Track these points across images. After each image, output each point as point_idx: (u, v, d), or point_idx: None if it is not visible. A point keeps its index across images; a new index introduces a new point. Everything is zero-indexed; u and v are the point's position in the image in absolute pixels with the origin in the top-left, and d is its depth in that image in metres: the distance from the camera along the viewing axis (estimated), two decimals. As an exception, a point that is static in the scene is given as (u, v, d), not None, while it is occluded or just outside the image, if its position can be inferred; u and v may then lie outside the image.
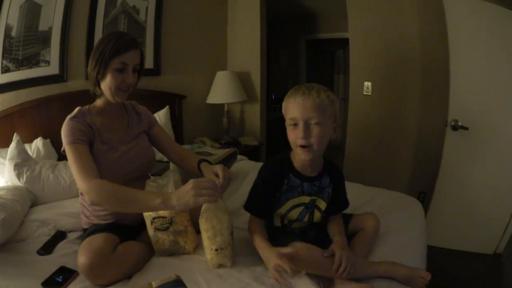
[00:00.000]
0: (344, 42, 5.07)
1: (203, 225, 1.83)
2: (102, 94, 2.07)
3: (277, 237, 1.85)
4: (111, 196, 1.77)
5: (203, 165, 2.18)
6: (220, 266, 1.85)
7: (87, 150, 1.93)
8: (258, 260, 1.88)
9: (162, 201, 1.69)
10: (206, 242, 1.84)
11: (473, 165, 3.36)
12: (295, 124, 1.73)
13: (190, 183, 1.69)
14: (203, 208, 1.88)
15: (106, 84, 1.99)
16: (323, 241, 1.98)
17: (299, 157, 1.78)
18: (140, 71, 2.14)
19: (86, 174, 1.81)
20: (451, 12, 3.12)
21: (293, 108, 1.74)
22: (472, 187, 3.41)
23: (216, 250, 1.82)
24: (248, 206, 1.94)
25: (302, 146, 1.72)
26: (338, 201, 2.05)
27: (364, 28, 3.97)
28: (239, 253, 1.96)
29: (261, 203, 1.90)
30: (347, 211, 2.12)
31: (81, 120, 1.99)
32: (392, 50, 3.81)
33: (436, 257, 3.28)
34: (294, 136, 1.74)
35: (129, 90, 2.07)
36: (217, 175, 2.01)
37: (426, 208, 3.47)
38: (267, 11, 4.92)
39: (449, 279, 3.13)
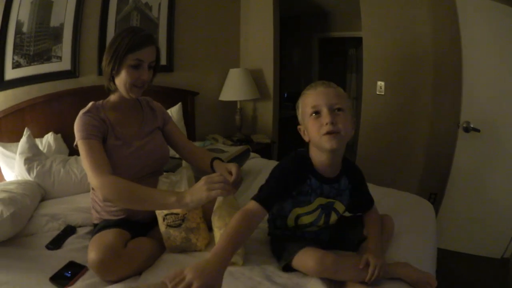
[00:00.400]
0: (357, 41, 5.04)
1: (216, 222, 1.85)
2: (116, 89, 2.05)
3: (288, 243, 1.81)
4: (125, 193, 1.77)
5: (216, 163, 2.16)
6: (232, 264, 1.80)
7: (100, 146, 1.92)
8: (269, 258, 1.87)
9: (177, 199, 1.69)
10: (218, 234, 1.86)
11: (484, 167, 3.32)
12: (317, 113, 1.68)
13: (202, 180, 1.69)
14: (215, 205, 1.90)
15: (120, 80, 1.98)
16: (336, 242, 1.99)
17: (325, 147, 1.66)
18: (156, 67, 2.12)
19: (99, 169, 1.81)
20: (464, 13, 3.07)
21: (315, 96, 1.71)
22: (482, 190, 3.36)
23: None
24: (256, 195, 1.70)
25: (328, 133, 1.64)
26: (363, 200, 2.01)
27: (377, 27, 3.94)
28: (250, 251, 1.93)
29: (274, 194, 1.71)
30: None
31: (95, 115, 1.98)
32: (404, 50, 3.78)
33: (444, 259, 3.25)
34: (318, 124, 1.66)
35: (144, 87, 2.06)
36: (230, 173, 1.98)
37: (436, 209, 3.40)
38: (280, 8, 4.90)
39: (456, 282, 3.10)
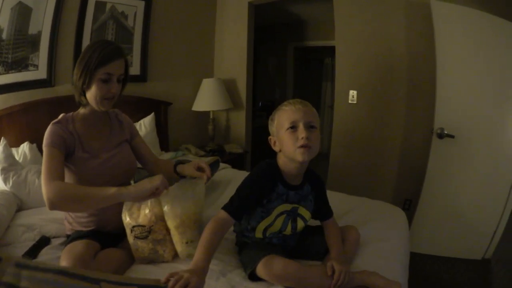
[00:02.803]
0: (332, 50, 5.11)
1: (172, 222, 1.96)
2: (87, 103, 2.08)
3: (256, 250, 1.89)
4: (69, 195, 1.79)
5: (179, 167, 2.27)
6: (190, 255, 1.94)
7: (59, 155, 1.93)
8: (236, 268, 1.95)
9: (117, 190, 1.79)
10: (176, 237, 1.99)
11: (459, 172, 3.43)
12: (293, 127, 1.82)
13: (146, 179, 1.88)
14: (177, 222, 1.97)
15: (91, 94, 2.01)
16: (303, 248, 2.10)
17: (297, 159, 1.82)
18: (125, 79, 2.15)
19: (49, 176, 1.82)
20: (438, 20, 3.17)
21: (293, 113, 1.84)
22: (458, 193, 3.47)
23: (187, 242, 1.97)
24: (226, 206, 1.83)
25: (302, 147, 1.79)
26: (322, 208, 2.12)
27: (350, 37, 4.02)
28: (216, 261, 1.97)
29: (243, 204, 1.86)
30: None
31: (63, 127, 2.01)
32: (378, 59, 3.86)
33: (422, 264, 3.36)
34: (294, 138, 1.80)
35: (114, 99, 2.09)
36: (200, 169, 2.19)
37: (411, 215, 3.53)
38: (255, 17, 4.97)
39: (437, 285, 3.18)
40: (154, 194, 1.87)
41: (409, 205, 3.83)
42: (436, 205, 3.54)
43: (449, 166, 3.44)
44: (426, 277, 3.22)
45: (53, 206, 1.78)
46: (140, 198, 1.88)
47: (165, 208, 1.96)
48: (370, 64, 3.93)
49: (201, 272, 1.50)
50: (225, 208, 1.82)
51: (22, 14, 3.09)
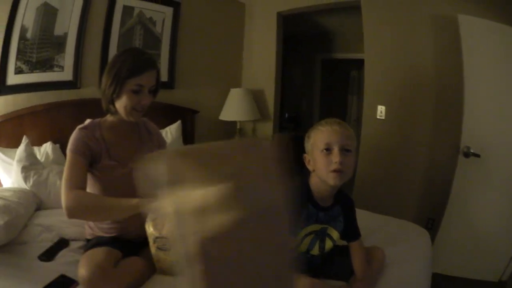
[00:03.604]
0: (359, 63, 5.03)
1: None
2: (116, 112, 2.03)
3: None
4: (88, 205, 1.78)
5: None
6: None
7: (82, 163, 1.91)
8: None
9: (139, 200, 1.70)
10: None
11: (483, 192, 3.31)
12: (328, 150, 1.77)
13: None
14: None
15: (121, 104, 1.97)
16: (329, 267, 2.04)
17: (329, 183, 1.78)
18: (156, 90, 2.11)
19: (69, 184, 1.80)
20: (466, 36, 3.08)
21: (329, 134, 1.79)
22: (480, 214, 3.35)
23: None
24: None
25: (335, 171, 1.74)
26: (350, 229, 2.05)
27: (379, 50, 3.92)
28: None
29: None
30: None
31: (90, 133, 1.99)
32: (406, 74, 3.76)
33: (441, 284, 3.22)
34: (327, 161, 1.76)
35: (144, 110, 2.04)
36: None
37: (434, 235, 3.40)
38: (284, 28, 4.91)
39: None
40: None
41: (432, 224, 3.69)
42: (458, 225, 3.42)
43: (473, 186, 3.33)
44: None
45: (72, 215, 1.75)
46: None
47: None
48: (398, 79, 3.83)
49: None
50: None
51: (48, 14, 3.10)
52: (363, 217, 2.58)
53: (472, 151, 3.17)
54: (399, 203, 3.91)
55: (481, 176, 3.27)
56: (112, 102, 2.00)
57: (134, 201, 1.71)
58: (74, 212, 1.74)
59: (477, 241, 3.36)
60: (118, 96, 1.96)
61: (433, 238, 3.13)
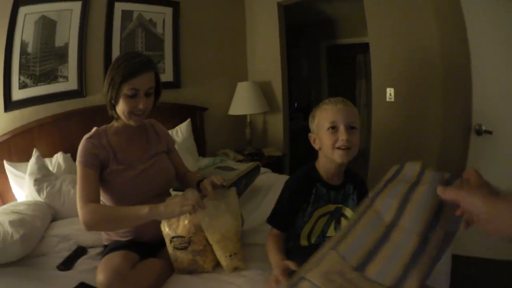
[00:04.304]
0: (364, 47, 4.98)
1: (212, 237, 1.88)
2: (119, 117, 2.04)
3: (301, 258, 1.79)
4: (103, 217, 1.84)
5: (201, 184, 2.18)
6: (235, 269, 1.92)
7: (93, 176, 1.94)
8: None
9: (150, 209, 1.78)
10: (219, 252, 1.91)
11: (498, 169, 3.20)
12: (333, 128, 1.78)
13: (179, 196, 1.90)
14: (217, 237, 1.89)
15: (119, 109, 1.97)
16: None
17: (337, 160, 1.80)
18: (158, 92, 2.10)
19: (84, 199, 1.85)
20: (469, 12, 3.03)
21: (334, 112, 1.80)
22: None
23: (230, 256, 1.90)
24: (271, 219, 1.94)
25: (342, 149, 1.76)
26: None
27: (383, 33, 3.85)
28: (260, 270, 1.91)
29: (286, 215, 1.89)
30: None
31: (96, 142, 2.00)
32: (412, 55, 3.69)
33: (462, 266, 3.13)
34: (333, 139, 1.78)
35: (144, 114, 2.03)
36: (213, 184, 2.10)
37: None
38: (285, 18, 4.86)
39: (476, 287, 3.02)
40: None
41: None
42: None
43: (488, 163, 3.25)
44: (465, 279, 3.04)
45: (90, 228, 1.83)
46: (172, 217, 1.87)
47: (204, 225, 1.88)
48: (405, 60, 3.76)
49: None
50: (270, 222, 1.92)
51: (47, 27, 3.12)
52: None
53: (484, 128, 3.13)
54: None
55: (495, 153, 3.21)
56: (113, 107, 2.00)
57: (144, 210, 1.77)
58: (91, 225, 1.81)
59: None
60: (116, 102, 1.96)
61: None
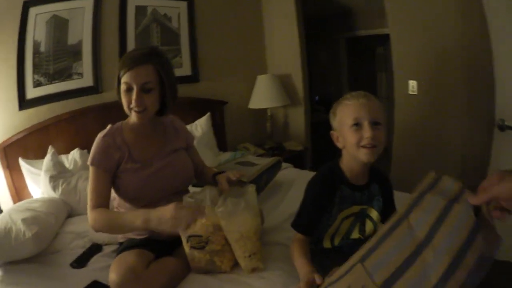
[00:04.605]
0: (384, 39, 4.88)
1: (232, 236, 1.84)
2: None
3: (323, 261, 1.76)
4: (106, 223, 1.86)
5: (217, 177, 2.14)
6: (254, 270, 1.87)
7: (104, 177, 1.93)
8: (299, 280, 1.74)
9: (143, 221, 1.77)
10: (238, 252, 1.87)
11: None
12: (357, 125, 1.67)
13: (171, 208, 1.76)
14: (236, 236, 1.85)
15: (123, 104, 1.95)
16: None
17: (361, 160, 1.70)
18: (163, 86, 1.98)
19: (92, 203, 1.89)
20: (489, 4, 2.91)
21: (357, 108, 1.69)
22: None
23: (249, 256, 1.84)
24: (295, 223, 1.84)
25: (367, 147, 1.66)
26: (390, 210, 1.90)
27: (404, 23, 3.76)
28: (279, 271, 1.85)
29: (310, 219, 1.80)
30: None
31: (111, 140, 1.97)
32: (433, 46, 3.58)
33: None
34: (358, 137, 1.67)
35: (146, 111, 1.94)
36: (229, 180, 2.05)
37: None
38: (303, 10, 4.80)
39: None
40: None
41: None
42: None
43: (511, 160, 3.09)
44: (484, 282, 2.93)
45: (97, 231, 1.92)
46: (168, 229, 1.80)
47: (223, 223, 1.84)
48: (427, 52, 3.66)
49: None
50: (295, 227, 1.82)
51: (59, 26, 3.13)
52: (401, 199, 2.50)
53: (506, 123, 2.99)
54: (436, 183, 3.75)
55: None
56: None
57: (138, 221, 1.78)
58: (97, 229, 1.88)
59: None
60: (119, 96, 1.94)
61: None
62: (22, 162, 2.83)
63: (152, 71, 1.91)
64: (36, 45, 3.00)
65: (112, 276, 1.68)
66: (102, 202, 1.88)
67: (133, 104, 1.88)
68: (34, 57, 2.99)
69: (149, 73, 1.90)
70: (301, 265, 1.65)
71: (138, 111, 1.91)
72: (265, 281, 1.77)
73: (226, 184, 2.00)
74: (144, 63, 1.88)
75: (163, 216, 1.75)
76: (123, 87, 1.87)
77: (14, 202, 2.83)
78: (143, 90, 1.89)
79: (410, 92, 3.78)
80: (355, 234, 1.85)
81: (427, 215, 1.21)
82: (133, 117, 1.94)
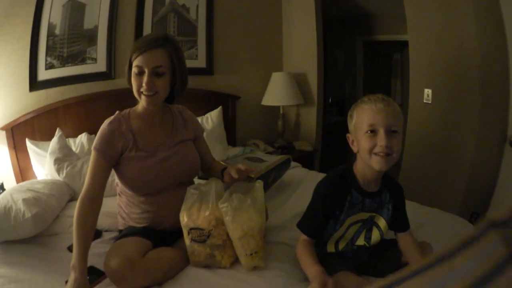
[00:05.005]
0: (401, 45, 4.84)
1: (234, 233, 1.81)
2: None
3: (328, 263, 1.73)
4: (75, 222, 1.78)
5: (225, 171, 2.12)
6: (255, 268, 1.84)
7: (104, 166, 1.93)
8: (299, 282, 1.77)
9: (71, 267, 1.66)
10: (239, 249, 1.84)
11: None
12: (372, 131, 1.62)
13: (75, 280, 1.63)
14: (240, 233, 1.82)
15: (133, 88, 1.95)
16: (374, 265, 1.89)
17: (373, 167, 1.65)
18: (175, 72, 1.99)
19: (86, 186, 1.87)
20: (508, 13, 2.90)
21: (374, 114, 1.64)
22: None
23: (251, 254, 1.82)
24: (301, 224, 1.81)
25: (380, 155, 1.61)
26: (399, 219, 1.90)
27: (423, 31, 3.74)
28: (280, 271, 1.83)
29: (318, 221, 1.76)
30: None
31: (116, 129, 1.97)
32: (451, 55, 3.55)
33: None
34: (372, 143, 1.62)
35: (156, 95, 1.94)
36: (240, 170, 2.04)
37: None
38: (323, 10, 4.77)
39: None
40: None
41: (476, 218, 3.44)
42: None
43: None
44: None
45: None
46: None
47: (226, 219, 1.82)
48: (444, 61, 3.62)
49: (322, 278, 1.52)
50: (301, 228, 1.79)
51: (75, 10, 3.13)
52: (411, 208, 2.46)
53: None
54: (444, 194, 3.70)
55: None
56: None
57: (72, 260, 1.67)
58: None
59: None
60: (130, 81, 1.94)
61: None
62: (28, 143, 2.84)
63: (165, 55, 1.91)
64: (51, 28, 2.99)
65: (108, 262, 1.68)
66: (93, 188, 1.87)
67: (143, 88, 1.87)
68: (48, 39, 2.99)
69: (162, 57, 1.91)
70: (310, 265, 1.63)
71: (148, 95, 1.90)
72: (264, 280, 1.75)
73: (235, 172, 1.98)
74: (157, 47, 1.89)
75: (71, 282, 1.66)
76: (134, 70, 1.87)
77: (17, 182, 2.84)
78: (155, 73, 1.89)
79: (425, 101, 3.74)
80: (361, 241, 1.82)
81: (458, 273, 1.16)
82: (142, 102, 1.94)
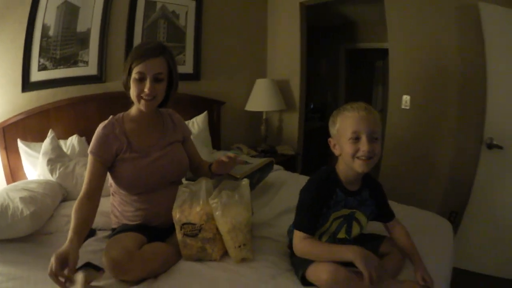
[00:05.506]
0: (384, 53, 4.94)
1: (223, 227, 1.91)
2: (133, 102, 2.10)
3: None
4: (73, 211, 1.88)
5: (214, 162, 2.32)
6: (243, 259, 1.94)
7: (99, 170, 2.03)
8: (285, 271, 1.89)
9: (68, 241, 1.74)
10: (228, 242, 1.94)
11: (506, 185, 3.18)
12: (357, 138, 1.73)
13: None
14: (228, 227, 1.92)
15: (131, 93, 2.04)
16: None
17: (356, 170, 1.77)
18: (171, 79, 2.13)
19: (84, 188, 1.98)
20: (487, 23, 3.00)
21: (356, 121, 1.74)
22: (504, 209, 3.21)
23: (239, 247, 1.93)
24: (300, 225, 1.85)
25: (362, 159, 1.73)
26: (386, 210, 2.04)
27: (403, 40, 3.85)
28: (268, 263, 1.94)
29: (313, 219, 1.84)
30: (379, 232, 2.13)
31: (110, 132, 2.07)
32: (430, 63, 3.68)
33: (463, 280, 3.07)
34: (355, 149, 1.73)
35: (154, 100, 2.07)
36: (229, 157, 2.23)
37: (456, 229, 3.30)
38: (307, 18, 4.87)
39: None
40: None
41: (454, 217, 3.58)
42: (482, 220, 3.31)
43: (497, 178, 3.21)
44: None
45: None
46: None
47: (216, 214, 1.91)
48: (423, 68, 3.75)
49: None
50: (299, 228, 1.83)
51: (69, 12, 3.15)
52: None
53: (495, 142, 3.09)
54: (423, 195, 3.83)
55: (504, 168, 3.17)
56: (129, 91, 2.06)
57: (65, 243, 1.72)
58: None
59: (502, 236, 3.23)
60: (128, 85, 2.03)
61: (455, 232, 3.04)
62: (20, 144, 2.85)
63: (164, 63, 2.05)
64: (45, 29, 3.01)
65: (107, 255, 1.73)
66: (90, 189, 1.97)
67: (145, 93, 1.98)
68: (41, 41, 3.01)
69: (162, 65, 2.03)
70: (340, 248, 1.72)
71: (148, 99, 2.01)
72: (254, 270, 1.85)
73: (225, 157, 2.16)
74: (158, 55, 2.01)
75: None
76: (135, 76, 1.97)
77: (8, 183, 2.85)
78: (155, 80, 2.01)
79: (403, 107, 3.87)
80: (342, 234, 1.93)
81: None
82: (141, 106, 2.04)
